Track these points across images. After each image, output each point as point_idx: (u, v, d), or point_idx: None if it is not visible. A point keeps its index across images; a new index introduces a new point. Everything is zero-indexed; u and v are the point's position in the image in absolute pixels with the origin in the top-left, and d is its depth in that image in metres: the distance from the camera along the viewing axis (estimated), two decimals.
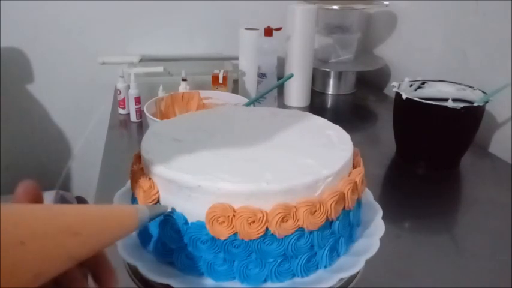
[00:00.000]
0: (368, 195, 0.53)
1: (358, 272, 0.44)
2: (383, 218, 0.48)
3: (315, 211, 0.39)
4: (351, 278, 0.44)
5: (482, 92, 0.76)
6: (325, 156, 0.44)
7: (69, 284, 0.28)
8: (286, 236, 0.39)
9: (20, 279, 0.24)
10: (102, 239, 0.30)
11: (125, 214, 0.33)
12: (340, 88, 1.22)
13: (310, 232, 0.40)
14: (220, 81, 0.95)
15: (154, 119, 0.76)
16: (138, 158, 0.47)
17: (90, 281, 0.30)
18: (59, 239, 0.26)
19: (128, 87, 0.96)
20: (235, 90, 1.05)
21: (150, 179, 0.42)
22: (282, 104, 1.09)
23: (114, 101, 1.06)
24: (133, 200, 0.46)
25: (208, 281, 0.41)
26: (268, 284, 0.41)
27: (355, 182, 0.43)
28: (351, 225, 0.45)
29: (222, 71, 0.96)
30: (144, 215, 0.35)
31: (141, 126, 0.95)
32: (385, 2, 1.15)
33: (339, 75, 1.21)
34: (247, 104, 0.74)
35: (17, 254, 0.23)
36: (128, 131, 0.96)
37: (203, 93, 0.88)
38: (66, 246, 0.27)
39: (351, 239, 0.46)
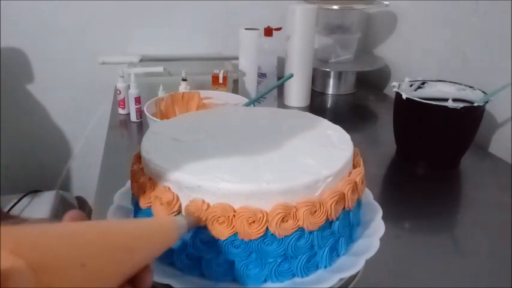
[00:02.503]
0: (368, 195, 0.53)
1: (358, 272, 0.44)
2: (383, 218, 0.48)
3: (315, 211, 0.39)
4: (351, 278, 0.44)
5: (482, 92, 0.76)
6: (325, 156, 0.44)
7: None
8: (286, 236, 0.39)
9: None
10: (151, 254, 0.30)
11: (167, 227, 0.34)
12: (340, 88, 1.22)
13: (310, 232, 0.40)
14: (220, 81, 0.95)
15: (154, 119, 0.76)
16: (138, 158, 0.47)
17: None
18: (116, 257, 0.26)
19: (128, 87, 0.96)
20: (235, 90, 1.05)
21: (150, 179, 0.42)
22: (282, 104, 1.09)
23: (114, 101, 1.06)
24: (134, 200, 0.46)
25: (208, 281, 0.41)
26: (268, 284, 0.41)
27: (355, 182, 0.43)
28: (351, 225, 0.45)
29: (222, 71, 0.96)
30: (183, 227, 0.35)
31: (141, 126, 0.95)
32: (385, 2, 1.15)
33: (339, 75, 1.21)
34: (247, 104, 0.74)
35: (78, 277, 0.23)
36: (128, 131, 0.96)
37: (203, 93, 0.88)
38: (121, 264, 0.27)
39: (351, 239, 0.46)
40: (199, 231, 0.39)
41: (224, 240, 0.39)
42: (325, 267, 0.42)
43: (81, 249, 0.24)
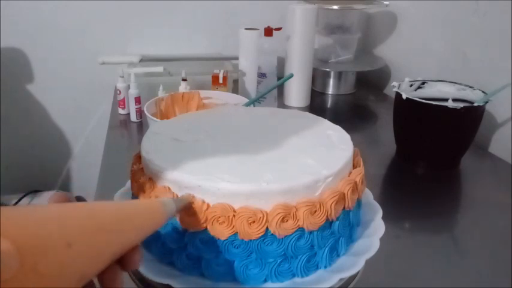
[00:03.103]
0: (368, 195, 0.53)
1: (358, 272, 0.44)
2: (383, 218, 0.48)
3: (315, 211, 0.39)
4: (351, 278, 0.44)
5: (482, 92, 0.76)
6: (325, 156, 0.44)
7: (108, 278, 0.28)
8: (286, 236, 0.39)
9: (66, 281, 0.23)
10: (139, 235, 0.31)
11: (155, 209, 0.34)
12: (340, 88, 1.22)
13: (310, 232, 0.40)
14: (220, 81, 0.95)
15: (154, 119, 0.76)
16: (138, 158, 0.47)
17: None
18: (103, 238, 0.26)
19: (128, 87, 0.96)
20: (235, 90, 1.05)
21: (150, 179, 0.42)
22: (282, 104, 1.09)
23: (114, 101, 1.06)
24: (133, 200, 0.46)
25: (208, 281, 0.41)
26: (268, 284, 0.41)
27: (355, 182, 0.43)
28: (351, 225, 0.45)
29: (222, 71, 0.96)
30: (171, 209, 0.35)
31: (141, 126, 0.95)
32: (385, 2, 1.15)
33: (339, 75, 1.21)
34: (247, 104, 0.74)
35: (64, 257, 0.23)
36: (128, 131, 0.96)
37: (203, 93, 0.88)
38: (109, 244, 0.27)
39: (351, 239, 0.46)
40: (199, 231, 0.39)
41: (224, 240, 0.39)
42: (325, 267, 0.42)
43: (67, 229, 0.24)
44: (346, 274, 0.41)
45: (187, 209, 0.39)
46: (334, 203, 0.40)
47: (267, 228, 0.38)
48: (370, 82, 1.30)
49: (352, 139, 0.49)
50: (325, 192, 0.41)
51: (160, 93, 0.89)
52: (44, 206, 0.25)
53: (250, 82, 1.07)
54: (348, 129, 0.51)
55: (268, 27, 0.98)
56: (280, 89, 1.09)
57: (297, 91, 1.08)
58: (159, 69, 1.04)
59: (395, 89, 0.79)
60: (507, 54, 0.82)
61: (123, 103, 0.99)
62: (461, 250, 0.58)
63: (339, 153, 0.45)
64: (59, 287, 0.22)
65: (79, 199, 1.26)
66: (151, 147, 0.45)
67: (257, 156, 0.44)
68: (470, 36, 0.92)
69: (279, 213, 0.38)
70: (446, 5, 0.99)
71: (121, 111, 1.00)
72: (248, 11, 1.23)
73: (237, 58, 1.09)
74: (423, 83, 0.83)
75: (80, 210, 0.27)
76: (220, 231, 0.38)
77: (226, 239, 0.39)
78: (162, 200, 0.36)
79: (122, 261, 0.29)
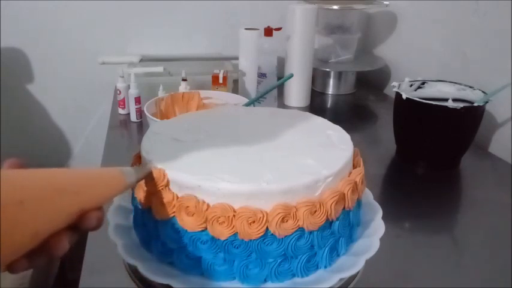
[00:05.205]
0: (368, 195, 0.53)
1: (358, 272, 0.44)
2: (383, 218, 0.48)
3: (315, 211, 0.39)
4: (351, 278, 0.44)
5: (482, 92, 0.76)
6: (325, 156, 0.44)
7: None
8: (286, 236, 0.39)
9: (18, 238, 0.25)
10: (96, 198, 0.32)
11: (114, 176, 0.35)
12: (340, 88, 1.22)
13: (310, 232, 0.40)
14: (220, 81, 0.95)
15: (154, 119, 0.76)
16: (138, 158, 0.47)
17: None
18: (58, 198, 0.28)
19: (128, 87, 0.96)
20: (235, 90, 1.05)
21: None
22: (282, 104, 1.09)
23: (114, 101, 1.06)
24: (133, 199, 0.46)
25: (208, 281, 0.41)
26: (268, 284, 0.41)
27: (355, 182, 0.43)
28: (351, 225, 0.45)
29: (222, 71, 0.96)
30: (131, 178, 0.37)
31: (141, 126, 0.95)
32: (385, 2, 1.15)
33: (339, 75, 1.21)
34: (247, 104, 0.74)
35: (16, 213, 0.24)
36: (128, 131, 0.96)
37: (203, 93, 0.88)
38: (64, 204, 0.28)
39: (351, 239, 0.46)
40: (199, 231, 0.39)
41: (224, 240, 0.39)
42: (325, 267, 0.42)
43: (19, 188, 0.25)
44: (346, 274, 0.41)
45: (150, 179, 0.41)
46: (334, 203, 0.40)
47: (267, 228, 0.38)
48: (370, 82, 1.30)
49: (352, 139, 0.49)
50: (325, 192, 0.41)
51: (160, 93, 0.89)
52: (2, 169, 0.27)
53: (250, 82, 1.07)
54: (348, 129, 0.51)
55: (268, 27, 0.98)
56: (280, 89, 1.09)
57: (297, 91, 1.08)
58: (159, 69, 1.04)
59: (395, 89, 0.79)
60: (507, 54, 0.82)
61: (123, 103, 0.99)
62: (461, 250, 0.58)
63: (339, 153, 0.45)
64: (11, 242, 0.24)
65: None
66: (151, 147, 0.45)
67: (257, 156, 0.44)
68: (470, 36, 0.92)
69: (279, 213, 0.38)
70: (446, 5, 0.99)
71: (121, 111, 1.00)
72: (248, 11, 1.23)
73: (237, 58, 1.09)
74: (423, 83, 0.83)
75: (35, 173, 0.28)
76: (220, 231, 0.38)
77: (226, 239, 0.39)
78: (122, 168, 0.37)
79: (81, 222, 0.30)
